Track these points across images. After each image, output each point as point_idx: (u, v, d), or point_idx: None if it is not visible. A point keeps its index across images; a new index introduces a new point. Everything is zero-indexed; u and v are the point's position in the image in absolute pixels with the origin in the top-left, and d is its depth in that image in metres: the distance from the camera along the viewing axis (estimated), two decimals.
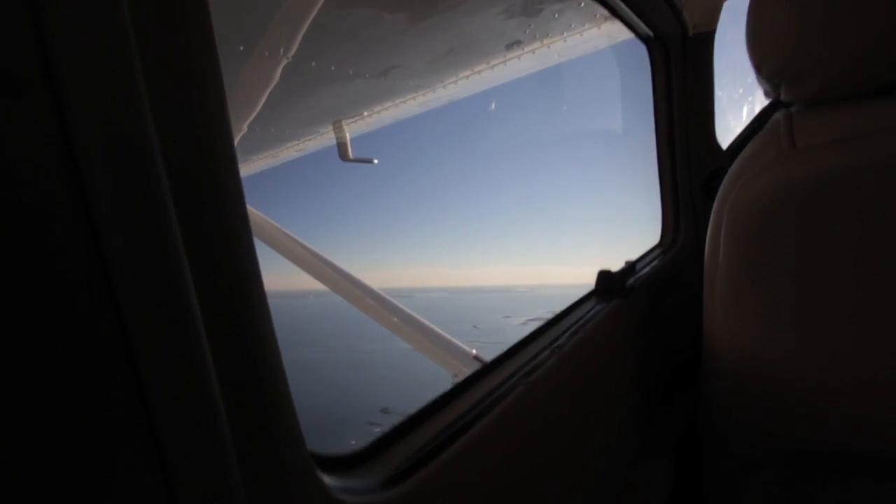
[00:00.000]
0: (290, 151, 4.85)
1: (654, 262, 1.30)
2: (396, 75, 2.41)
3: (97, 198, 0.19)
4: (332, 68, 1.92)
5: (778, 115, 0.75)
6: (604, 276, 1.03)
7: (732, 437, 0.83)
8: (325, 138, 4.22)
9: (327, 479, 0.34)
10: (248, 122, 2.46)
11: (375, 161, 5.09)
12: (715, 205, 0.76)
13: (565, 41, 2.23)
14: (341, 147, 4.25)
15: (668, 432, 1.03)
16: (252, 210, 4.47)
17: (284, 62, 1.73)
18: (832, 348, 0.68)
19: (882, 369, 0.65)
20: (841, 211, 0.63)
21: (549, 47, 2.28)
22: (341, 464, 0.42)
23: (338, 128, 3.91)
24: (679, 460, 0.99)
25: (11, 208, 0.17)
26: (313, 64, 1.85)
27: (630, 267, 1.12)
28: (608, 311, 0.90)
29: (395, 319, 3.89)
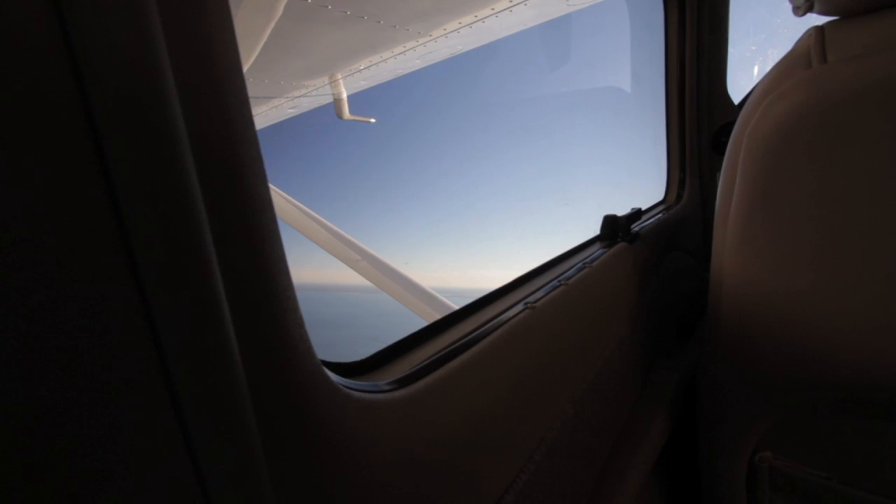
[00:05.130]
0: (285, 108, 4.71)
1: (659, 216, 1.28)
2: (394, 18, 2.28)
3: (127, 194, 0.19)
4: (329, 7, 1.81)
5: (808, 32, 0.69)
6: (610, 220, 1.02)
7: (734, 385, 0.81)
8: (322, 96, 4.08)
9: (336, 379, 0.34)
10: (246, 68, 2.36)
11: (373, 120, 4.96)
12: (733, 134, 0.71)
13: None
14: (338, 104, 4.11)
15: (666, 386, 1.03)
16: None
17: None
18: (854, 281, 0.63)
19: None
20: (875, 128, 0.56)
21: None
22: (351, 369, 0.43)
23: (334, 82, 3.77)
24: (675, 413, 0.99)
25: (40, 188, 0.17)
26: (308, 1, 1.74)
27: (636, 213, 1.11)
28: (613, 253, 0.89)
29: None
